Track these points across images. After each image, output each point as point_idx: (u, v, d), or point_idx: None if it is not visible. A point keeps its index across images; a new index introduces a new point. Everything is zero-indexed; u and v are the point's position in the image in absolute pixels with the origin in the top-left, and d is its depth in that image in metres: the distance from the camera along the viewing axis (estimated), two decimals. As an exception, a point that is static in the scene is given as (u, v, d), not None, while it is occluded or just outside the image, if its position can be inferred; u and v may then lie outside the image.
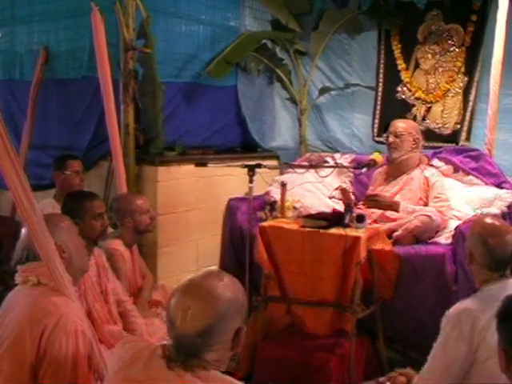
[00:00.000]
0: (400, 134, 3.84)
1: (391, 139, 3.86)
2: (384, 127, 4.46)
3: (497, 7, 4.08)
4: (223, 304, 1.57)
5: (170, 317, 1.59)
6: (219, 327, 1.56)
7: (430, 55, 4.62)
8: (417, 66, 4.68)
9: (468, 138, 4.45)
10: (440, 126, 4.60)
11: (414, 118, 4.65)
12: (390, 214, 3.72)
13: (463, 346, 2.13)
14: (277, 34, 4.87)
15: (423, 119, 4.66)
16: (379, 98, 4.86)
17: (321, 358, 3.28)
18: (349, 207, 3.31)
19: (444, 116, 4.60)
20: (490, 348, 1.97)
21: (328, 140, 5.07)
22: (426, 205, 3.75)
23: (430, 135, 4.55)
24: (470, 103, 4.46)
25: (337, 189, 3.69)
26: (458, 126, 4.53)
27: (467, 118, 4.47)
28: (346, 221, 3.22)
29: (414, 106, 4.70)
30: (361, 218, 3.24)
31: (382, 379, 2.39)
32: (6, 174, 1.98)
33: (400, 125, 3.90)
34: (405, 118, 4.45)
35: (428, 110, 4.65)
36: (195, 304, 1.56)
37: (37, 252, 2.11)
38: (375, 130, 4.88)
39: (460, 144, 4.43)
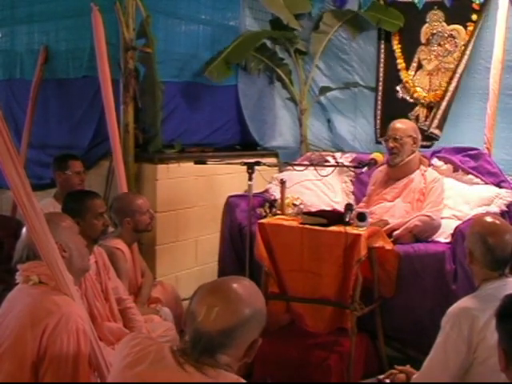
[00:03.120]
0: (400, 138, 3.82)
1: (391, 144, 3.84)
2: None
3: (497, 7, 4.10)
4: (249, 311, 1.59)
5: (193, 311, 1.60)
6: (240, 332, 1.58)
7: (433, 56, 4.62)
8: (419, 66, 4.68)
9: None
10: (440, 125, 4.62)
11: (417, 118, 4.65)
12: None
13: (462, 346, 2.14)
14: (277, 34, 4.88)
15: (426, 119, 4.66)
16: (380, 99, 4.87)
17: (320, 355, 3.29)
18: (349, 205, 3.32)
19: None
20: (490, 347, 1.97)
21: (331, 139, 5.08)
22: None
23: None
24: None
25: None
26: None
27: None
28: (347, 219, 3.23)
29: (415, 105, 4.70)
30: (362, 217, 3.24)
31: (381, 377, 2.40)
32: (6, 172, 1.98)
33: (398, 127, 3.87)
34: (407, 117, 4.45)
35: (430, 109, 4.66)
36: (222, 304, 1.57)
37: (37, 251, 2.11)
38: (378, 131, 4.88)
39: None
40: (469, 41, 4.40)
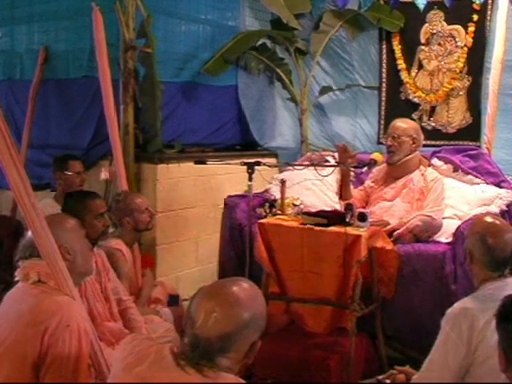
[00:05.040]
0: (398, 136, 3.81)
1: (389, 142, 3.83)
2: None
3: (497, 7, 4.11)
4: (248, 315, 1.59)
5: (192, 315, 1.59)
6: (239, 336, 1.57)
7: (433, 56, 4.63)
8: (420, 67, 4.69)
9: (477, 139, 4.46)
10: (446, 125, 4.62)
11: (420, 118, 4.66)
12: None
13: (462, 347, 2.13)
14: (276, 33, 4.88)
15: (429, 119, 4.67)
16: (383, 99, 4.87)
17: (320, 356, 3.29)
18: (350, 205, 3.31)
19: (449, 116, 4.61)
20: (490, 347, 1.97)
21: (331, 139, 5.08)
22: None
23: (436, 135, 4.58)
24: (480, 103, 4.45)
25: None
26: (464, 125, 4.55)
27: (476, 117, 4.50)
28: (348, 219, 3.23)
29: (419, 105, 4.71)
30: (363, 217, 3.24)
31: (381, 377, 2.39)
32: (7, 172, 1.99)
33: (398, 126, 3.85)
34: (410, 118, 4.45)
35: (433, 109, 4.67)
36: (221, 309, 1.57)
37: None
38: (381, 132, 4.88)
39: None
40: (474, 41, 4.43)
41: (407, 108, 4.71)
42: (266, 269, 3.38)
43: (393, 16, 4.66)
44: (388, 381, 2.35)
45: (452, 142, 4.47)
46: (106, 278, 2.93)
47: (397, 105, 4.79)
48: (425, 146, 4.03)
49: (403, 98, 4.77)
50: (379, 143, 4.83)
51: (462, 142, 4.47)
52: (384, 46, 4.83)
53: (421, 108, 4.71)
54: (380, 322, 3.45)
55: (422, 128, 4.15)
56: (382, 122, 4.88)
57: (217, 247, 4.25)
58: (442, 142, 4.51)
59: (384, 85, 4.86)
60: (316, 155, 4.65)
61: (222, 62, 4.50)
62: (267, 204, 4.04)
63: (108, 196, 4.02)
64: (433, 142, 4.47)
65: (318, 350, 3.33)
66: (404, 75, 4.72)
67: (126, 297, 3.07)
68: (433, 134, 4.56)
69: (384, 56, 4.83)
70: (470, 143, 4.45)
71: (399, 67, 4.75)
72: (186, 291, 3.62)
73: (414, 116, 4.66)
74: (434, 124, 4.66)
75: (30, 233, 2.21)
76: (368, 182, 4.03)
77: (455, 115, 4.60)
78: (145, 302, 3.39)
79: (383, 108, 4.88)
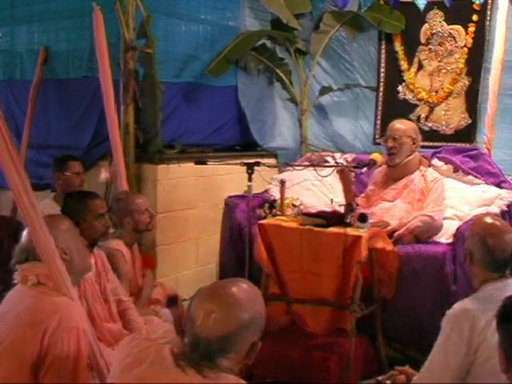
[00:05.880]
0: (399, 138, 3.81)
1: (390, 144, 3.83)
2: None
3: (497, 7, 4.11)
4: (248, 316, 1.59)
5: (191, 315, 1.59)
6: (238, 337, 1.57)
7: (433, 56, 4.62)
8: (420, 67, 4.69)
9: (475, 140, 4.46)
10: (444, 126, 4.62)
11: (418, 119, 4.65)
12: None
13: (462, 347, 2.13)
14: (276, 33, 4.88)
15: (426, 119, 4.66)
16: (380, 99, 4.87)
17: (320, 356, 3.29)
18: (350, 206, 3.31)
19: (448, 117, 4.61)
20: (491, 348, 1.97)
21: (331, 140, 5.07)
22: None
23: (433, 135, 4.57)
24: (478, 103, 4.44)
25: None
26: (462, 126, 4.54)
27: (474, 118, 4.49)
28: (348, 220, 3.22)
29: (417, 106, 4.70)
30: (363, 218, 3.23)
31: (381, 378, 2.39)
32: (7, 172, 1.99)
33: (398, 127, 3.85)
34: (408, 118, 4.45)
35: (431, 110, 4.66)
36: (220, 309, 1.57)
37: (37, 254, 2.11)
38: (378, 132, 4.87)
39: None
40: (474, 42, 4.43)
41: (404, 108, 4.70)
42: (266, 270, 3.38)
43: (393, 17, 4.65)
44: (388, 382, 2.34)
45: (449, 144, 4.46)
46: (106, 278, 2.92)
47: (394, 105, 4.78)
48: (422, 147, 4.03)
49: (401, 99, 4.77)
50: (375, 143, 4.83)
51: (460, 144, 4.46)
52: (383, 47, 4.82)
53: (419, 109, 4.70)
54: (380, 323, 3.45)
55: (419, 129, 4.15)
56: (379, 122, 4.87)
57: (217, 248, 4.24)
58: (439, 144, 4.50)
59: (382, 85, 4.85)
60: (316, 156, 4.65)
61: (224, 63, 4.50)
62: (267, 205, 4.04)
63: (108, 197, 4.01)
64: (430, 144, 4.46)
65: (318, 350, 3.34)
66: (407, 76, 4.71)
67: (126, 297, 3.06)
68: (430, 135, 4.54)
69: (383, 56, 4.83)
70: (468, 145, 4.44)
71: (402, 68, 4.74)
72: (185, 292, 3.62)
73: (412, 117, 4.65)
74: (431, 125, 4.65)
75: (24, 238, 2.21)
76: (369, 188, 4.03)
77: (453, 116, 4.58)
78: (145, 302, 3.38)
79: (380, 108, 4.88)
